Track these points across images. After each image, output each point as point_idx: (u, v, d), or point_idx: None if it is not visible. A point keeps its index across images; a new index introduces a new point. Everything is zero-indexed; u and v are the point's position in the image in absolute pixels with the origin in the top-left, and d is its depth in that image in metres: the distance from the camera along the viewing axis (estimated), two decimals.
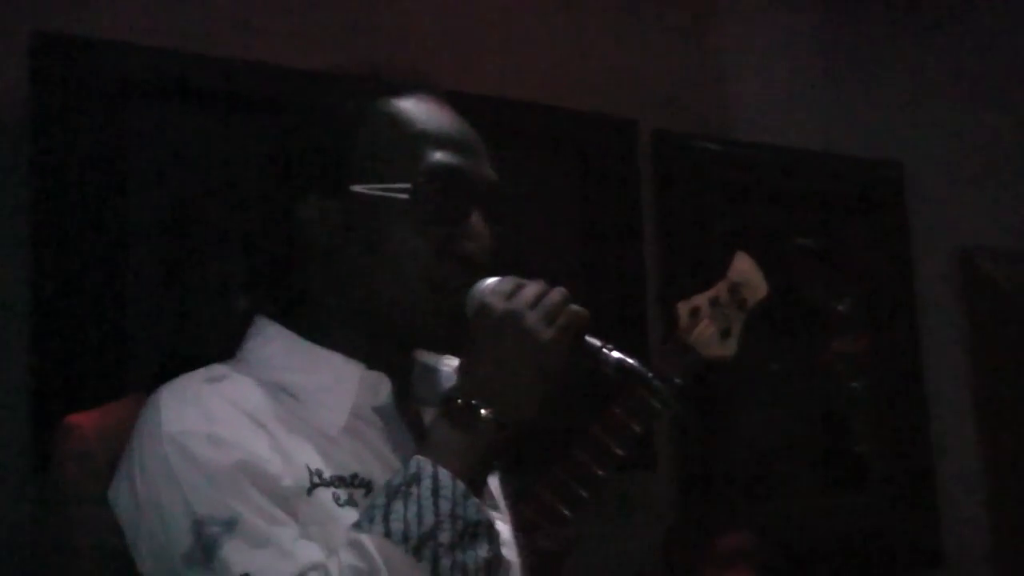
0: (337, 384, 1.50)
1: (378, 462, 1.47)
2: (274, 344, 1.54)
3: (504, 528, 1.58)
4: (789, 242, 3.94)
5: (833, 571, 3.79)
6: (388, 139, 1.52)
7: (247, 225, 1.56)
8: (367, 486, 1.44)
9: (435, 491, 1.35)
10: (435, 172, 1.50)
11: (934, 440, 4.08)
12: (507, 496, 1.71)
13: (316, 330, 1.53)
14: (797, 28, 4.08)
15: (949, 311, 4.25)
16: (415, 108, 1.54)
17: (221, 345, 1.60)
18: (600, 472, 2.48)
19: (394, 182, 1.49)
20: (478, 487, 1.40)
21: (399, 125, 1.52)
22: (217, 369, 1.51)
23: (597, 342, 1.46)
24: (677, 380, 2.63)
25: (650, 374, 1.46)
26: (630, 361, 1.45)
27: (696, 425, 3.55)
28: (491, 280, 1.49)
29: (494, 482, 1.66)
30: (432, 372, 1.63)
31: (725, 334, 2.71)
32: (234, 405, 1.43)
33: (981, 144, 4.40)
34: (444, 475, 1.36)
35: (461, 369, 1.47)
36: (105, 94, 2.78)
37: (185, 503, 1.36)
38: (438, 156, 1.51)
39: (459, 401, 1.43)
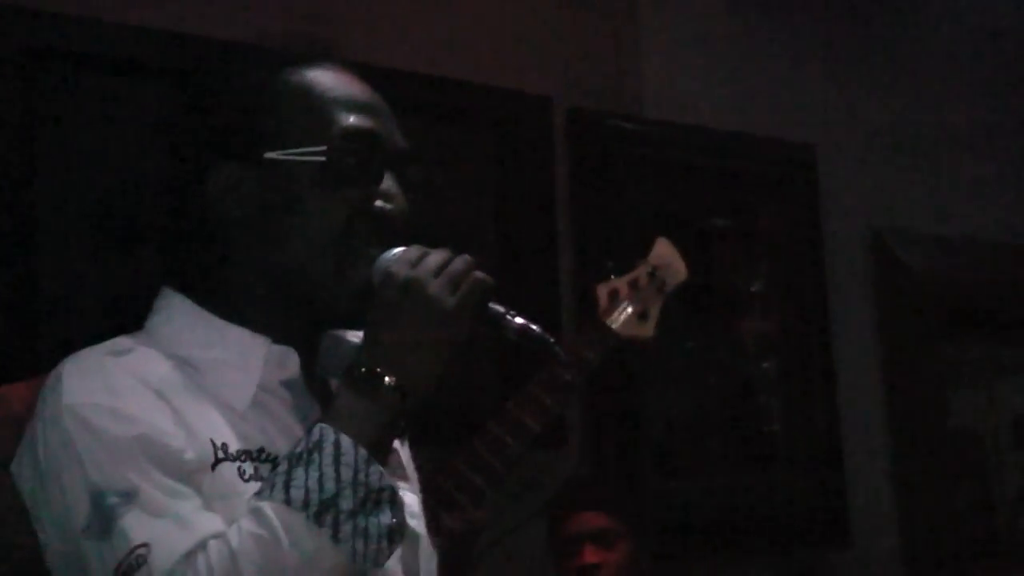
0: (243, 359, 1.49)
1: (285, 436, 1.46)
2: (180, 318, 1.52)
3: (412, 499, 1.57)
4: (702, 222, 3.96)
5: (743, 548, 3.83)
6: (300, 105, 1.51)
7: (156, 197, 1.54)
8: (273, 460, 1.42)
9: (336, 458, 1.34)
10: (349, 134, 1.49)
11: (843, 419, 4.13)
12: (419, 468, 1.70)
13: (224, 303, 1.51)
14: (712, 8, 4.10)
15: (859, 292, 4.30)
16: (324, 76, 1.53)
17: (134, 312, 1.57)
18: (515, 446, 2.50)
19: (307, 146, 1.48)
20: (382, 454, 1.39)
21: (310, 91, 1.51)
22: (122, 342, 1.49)
23: (500, 308, 1.46)
24: (592, 359, 2.66)
25: (552, 340, 1.46)
26: (532, 327, 1.46)
27: (601, 403, 3.56)
28: (397, 249, 1.47)
29: (405, 453, 1.66)
30: (340, 343, 1.61)
31: (643, 316, 2.75)
32: (137, 378, 1.41)
33: (893, 127, 4.44)
34: (346, 442, 1.35)
35: (365, 337, 1.46)
36: (14, 62, 2.74)
37: (84, 475, 1.35)
38: (351, 119, 1.50)
39: (362, 369, 1.41)
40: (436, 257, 1.45)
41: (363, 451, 1.35)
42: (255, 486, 1.38)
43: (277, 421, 1.48)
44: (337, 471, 1.33)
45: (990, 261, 4.58)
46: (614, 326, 2.71)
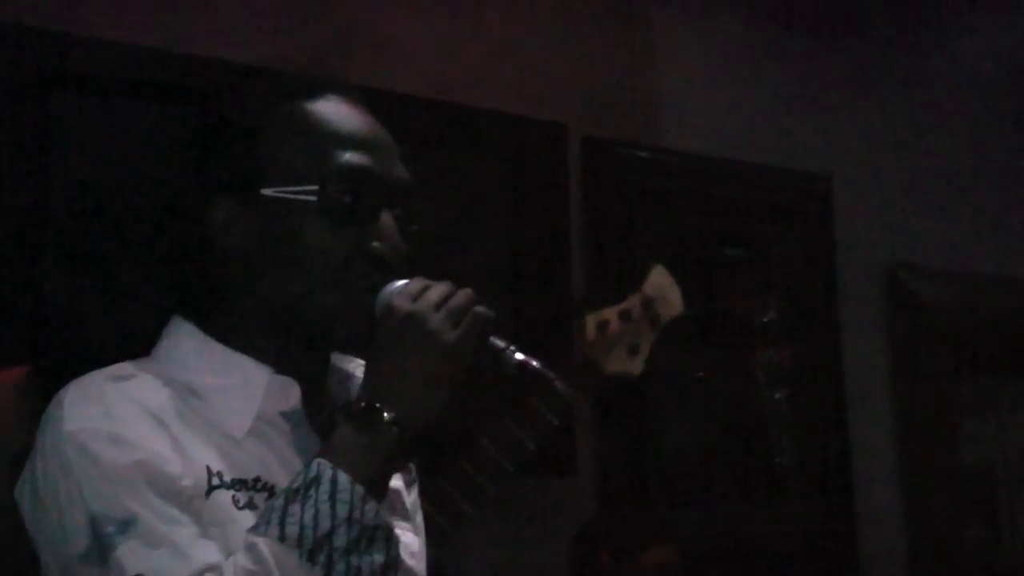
0: (244, 387, 1.50)
1: (283, 467, 1.47)
2: (185, 344, 1.53)
3: (412, 539, 1.59)
4: (716, 251, 3.96)
5: None
6: (297, 140, 1.51)
7: (162, 225, 1.56)
8: (269, 490, 1.44)
9: (333, 494, 1.34)
10: (343, 173, 1.49)
11: (854, 452, 4.11)
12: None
13: (228, 332, 1.52)
14: (729, 38, 4.10)
15: (872, 325, 4.29)
16: (323, 108, 1.54)
17: (140, 336, 1.59)
18: (508, 466, 2.41)
19: (303, 184, 1.48)
20: (379, 490, 1.40)
21: (307, 126, 1.52)
22: (124, 367, 1.50)
23: (501, 343, 1.46)
24: (579, 394, 2.57)
25: (552, 375, 1.46)
26: (533, 363, 1.45)
27: (612, 432, 3.54)
28: (400, 282, 1.48)
29: (413, 496, 1.67)
30: (347, 377, 1.62)
31: (633, 351, 2.61)
32: (137, 404, 1.42)
33: (908, 160, 4.44)
34: (343, 478, 1.35)
35: (366, 371, 1.46)
36: (27, 83, 2.74)
37: (83, 502, 1.36)
38: (347, 157, 1.50)
39: (361, 404, 1.42)
40: (437, 291, 1.45)
41: (359, 488, 1.36)
42: (249, 514, 1.40)
43: (275, 451, 1.49)
44: (333, 508, 1.34)
45: (1003, 296, 4.57)
46: (600, 360, 2.61)
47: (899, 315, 4.31)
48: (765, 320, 4.06)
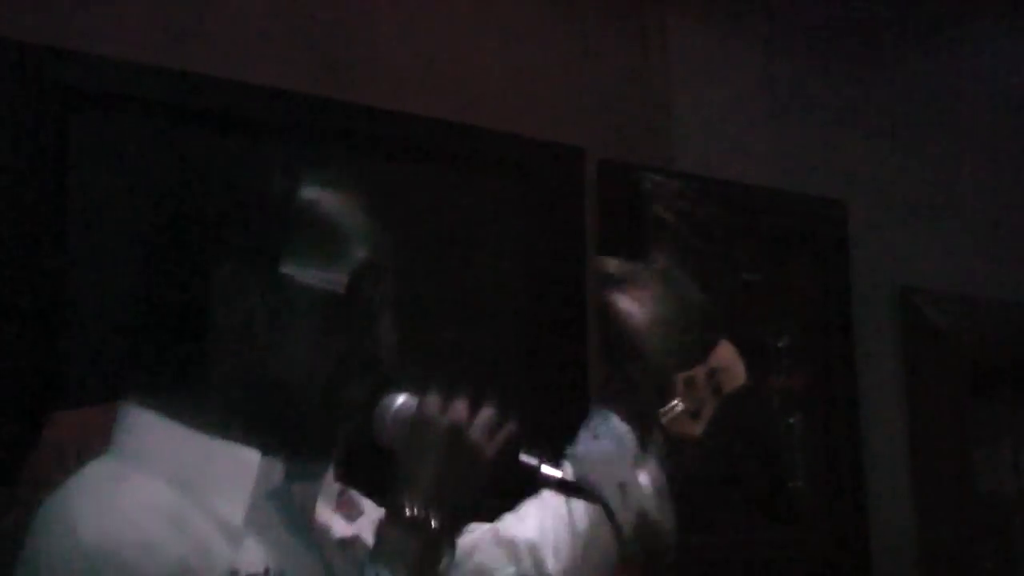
0: (235, 475, 1.47)
1: (285, 552, 1.47)
2: (157, 435, 1.48)
3: None
4: (730, 276, 3.96)
5: None
6: (317, 226, 1.51)
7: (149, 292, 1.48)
8: None
9: None
10: (364, 270, 1.51)
11: (868, 477, 4.11)
12: None
13: (200, 415, 1.48)
14: (746, 64, 4.12)
15: (887, 350, 4.28)
16: (341, 199, 1.54)
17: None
18: None
19: (325, 272, 1.49)
20: None
21: (335, 215, 1.52)
22: (106, 469, 1.46)
23: (534, 460, 1.56)
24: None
25: (594, 491, 1.60)
26: (569, 479, 1.57)
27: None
28: (403, 396, 1.56)
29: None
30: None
31: (695, 416, 2.74)
32: (149, 507, 1.39)
33: (923, 186, 4.44)
34: None
35: (407, 478, 1.51)
36: (48, 102, 2.76)
37: None
38: (366, 255, 1.52)
39: (413, 511, 1.48)
40: (463, 405, 1.53)
41: None
42: None
43: (273, 536, 1.49)
44: None
45: (1018, 322, 4.57)
46: (664, 421, 2.72)
47: (914, 340, 4.31)
48: (779, 345, 4.06)
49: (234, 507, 1.45)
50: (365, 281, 1.50)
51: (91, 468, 1.44)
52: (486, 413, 1.53)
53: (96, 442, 1.45)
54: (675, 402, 2.70)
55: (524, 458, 1.55)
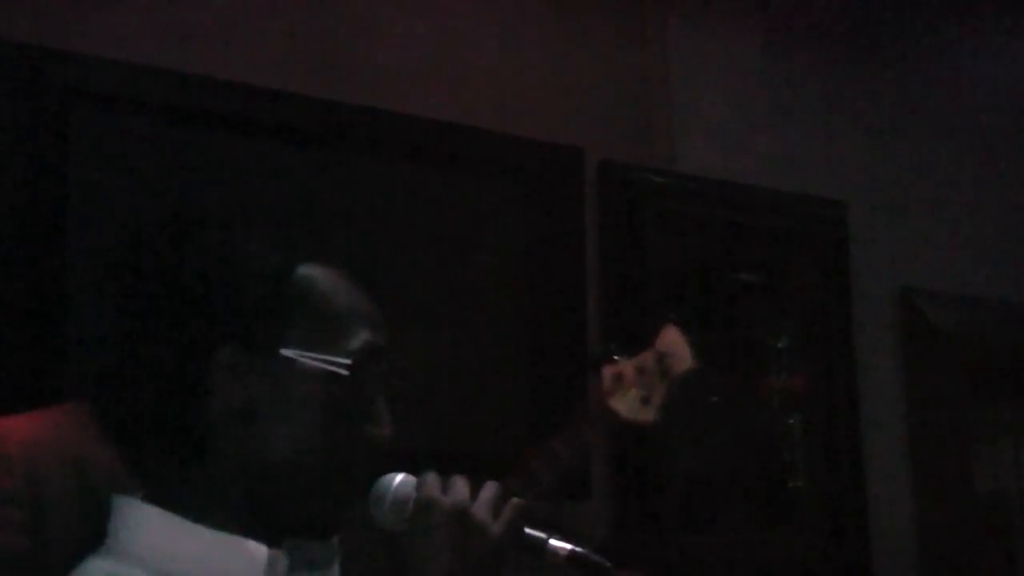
0: (243, 572, 1.39)
1: None
2: (157, 530, 1.39)
3: None
4: (731, 276, 3.96)
5: None
6: (324, 310, 1.46)
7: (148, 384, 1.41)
8: None
9: None
10: (366, 351, 1.45)
11: (868, 477, 4.11)
12: None
13: (202, 506, 1.40)
14: (746, 64, 4.12)
15: (887, 351, 4.28)
16: (343, 283, 1.49)
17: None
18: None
19: (327, 354, 1.42)
20: None
21: (334, 295, 1.47)
22: (103, 566, 1.38)
23: (542, 534, 1.51)
24: (592, 439, 2.73)
25: (606, 562, 1.50)
26: (579, 550, 1.50)
27: (625, 456, 3.55)
28: (401, 476, 1.52)
29: None
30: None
31: (646, 401, 2.78)
32: None
33: (924, 186, 4.44)
34: None
35: (418, 561, 1.49)
36: (50, 102, 2.76)
37: None
38: (365, 336, 1.46)
39: None
40: (463, 483, 1.51)
41: None
42: None
43: None
44: None
45: (1018, 322, 4.56)
46: (617, 408, 2.75)
47: (914, 341, 4.31)
48: (780, 345, 4.06)
49: None
50: (369, 361, 1.45)
51: (86, 568, 1.37)
52: (488, 490, 1.50)
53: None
54: (628, 388, 2.76)
55: (530, 532, 1.51)
